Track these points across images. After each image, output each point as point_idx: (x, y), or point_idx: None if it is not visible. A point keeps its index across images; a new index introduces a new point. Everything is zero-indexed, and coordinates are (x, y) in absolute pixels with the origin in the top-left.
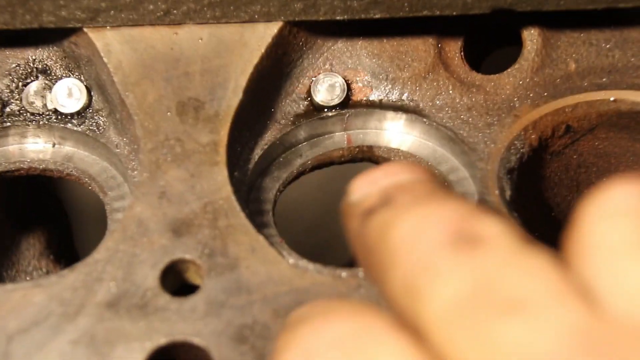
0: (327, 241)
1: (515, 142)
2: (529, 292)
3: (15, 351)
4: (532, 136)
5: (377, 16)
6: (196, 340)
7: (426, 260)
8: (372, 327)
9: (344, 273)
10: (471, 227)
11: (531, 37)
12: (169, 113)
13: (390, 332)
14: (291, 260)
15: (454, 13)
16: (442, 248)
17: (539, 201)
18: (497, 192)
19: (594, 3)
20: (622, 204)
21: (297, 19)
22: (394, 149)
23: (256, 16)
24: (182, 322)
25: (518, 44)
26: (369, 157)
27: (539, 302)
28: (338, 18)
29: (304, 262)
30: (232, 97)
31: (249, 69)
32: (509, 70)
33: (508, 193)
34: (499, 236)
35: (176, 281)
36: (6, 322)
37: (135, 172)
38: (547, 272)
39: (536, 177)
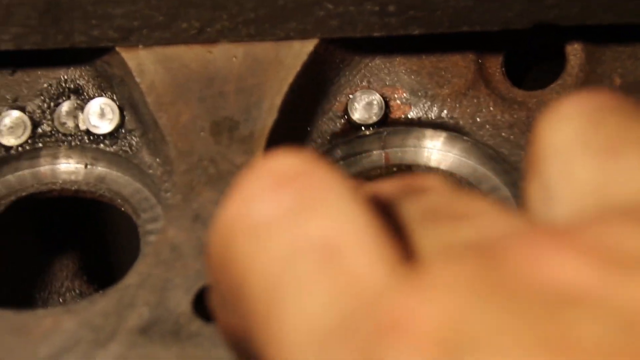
0: None
1: None
2: (474, 209)
3: None
4: None
5: (416, 32)
6: None
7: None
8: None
9: None
10: (415, 182)
11: (575, 52)
12: (202, 133)
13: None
14: None
15: (495, 29)
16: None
17: None
18: None
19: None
20: (570, 110)
21: (333, 36)
22: (434, 167)
23: (292, 34)
24: (215, 348)
25: (561, 59)
26: None
27: (484, 213)
28: (375, 35)
29: None
30: (267, 116)
31: (285, 87)
32: (552, 86)
33: None
34: (441, 184)
35: (210, 306)
36: (37, 348)
37: (169, 194)
38: (484, 199)
39: None
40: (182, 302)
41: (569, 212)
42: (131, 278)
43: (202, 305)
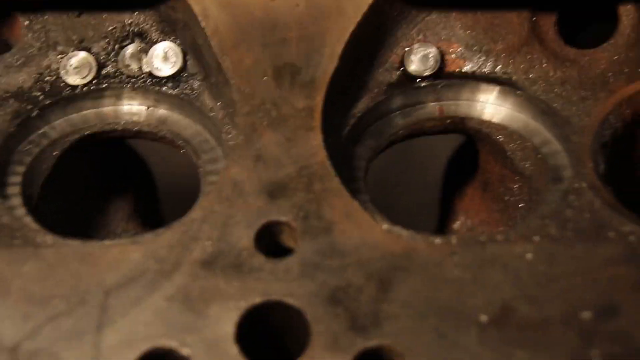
0: (414, 209)
1: (609, 117)
2: None
3: (112, 305)
4: (627, 111)
5: None
6: (290, 301)
7: None
8: None
9: (437, 239)
10: None
11: (627, 12)
12: (265, 78)
13: None
14: (385, 226)
15: None
16: None
17: (632, 176)
18: (591, 165)
19: None
20: None
21: None
22: (486, 120)
23: None
24: (276, 282)
25: (614, 19)
26: (460, 128)
27: None
28: None
29: (397, 228)
30: (328, 63)
31: (345, 36)
32: (604, 45)
33: (602, 167)
34: None
35: (270, 243)
36: (104, 276)
37: (229, 136)
38: None
39: (629, 152)
40: (243, 237)
41: None
42: (195, 213)
43: (263, 241)
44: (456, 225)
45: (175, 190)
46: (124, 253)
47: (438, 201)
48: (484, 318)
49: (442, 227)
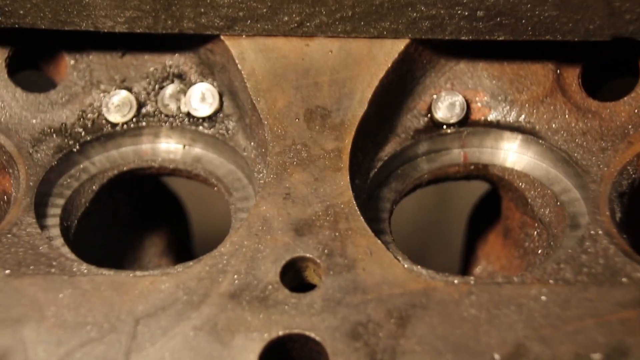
0: (437, 250)
1: (628, 167)
2: None
3: (142, 333)
4: None
5: (501, 38)
6: (312, 334)
7: None
8: None
9: (456, 279)
10: None
11: None
12: (297, 119)
13: None
14: (406, 265)
15: (576, 39)
16: None
17: None
18: (607, 213)
19: None
20: None
21: (423, 37)
22: (509, 168)
23: (384, 32)
24: (299, 316)
25: (635, 74)
26: (483, 174)
27: None
28: (463, 38)
29: (418, 267)
30: (358, 107)
31: (375, 82)
32: (625, 98)
33: (618, 215)
34: None
35: (295, 278)
36: (135, 305)
37: (261, 175)
38: None
39: None
40: (270, 271)
41: None
42: (224, 247)
43: (288, 276)
44: (477, 269)
45: (208, 227)
46: (154, 284)
47: (461, 246)
48: (497, 356)
49: (464, 271)
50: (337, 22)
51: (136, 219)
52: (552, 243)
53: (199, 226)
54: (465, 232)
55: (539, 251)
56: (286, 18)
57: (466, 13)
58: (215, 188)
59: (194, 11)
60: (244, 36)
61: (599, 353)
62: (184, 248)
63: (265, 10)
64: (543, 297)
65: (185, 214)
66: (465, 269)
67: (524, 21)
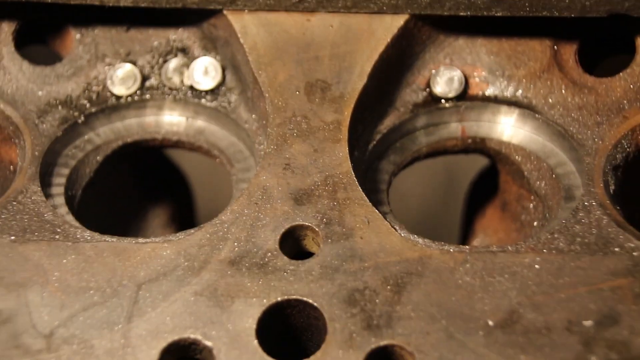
0: (435, 223)
1: (623, 141)
2: None
3: (143, 298)
4: (639, 137)
5: (499, 14)
6: (310, 300)
7: None
8: None
9: (451, 248)
10: None
11: None
12: (297, 92)
13: None
14: (403, 233)
15: (572, 15)
16: None
17: None
18: (601, 185)
19: None
20: None
21: (422, 12)
22: (505, 142)
23: (384, 8)
24: (298, 282)
25: (632, 50)
26: (481, 148)
27: None
28: (461, 14)
29: (414, 236)
30: (357, 81)
31: (375, 56)
32: (620, 74)
33: (612, 187)
34: None
35: (294, 246)
36: (137, 271)
37: (262, 146)
38: None
39: None
40: (269, 239)
41: None
42: (225, 215)
43: (287, 244)
44: (475, 242)
45: (212, 199)
46: (156, 250)
47: (460, 220)
48: (491, 322)
49: (462, 244)
50: None
51: (140, 191)
52: (547, 215)
53: (203, 198)
54: (464, 206)
55: (535, 223)
56: None
57: None
58: (217, 160)
59: None
60: (246, 11)
61: (590, 320)
62: (187, 220)
63: None
64: (536, 266)
65: (188, 186)
66: (463, 242)
67: None
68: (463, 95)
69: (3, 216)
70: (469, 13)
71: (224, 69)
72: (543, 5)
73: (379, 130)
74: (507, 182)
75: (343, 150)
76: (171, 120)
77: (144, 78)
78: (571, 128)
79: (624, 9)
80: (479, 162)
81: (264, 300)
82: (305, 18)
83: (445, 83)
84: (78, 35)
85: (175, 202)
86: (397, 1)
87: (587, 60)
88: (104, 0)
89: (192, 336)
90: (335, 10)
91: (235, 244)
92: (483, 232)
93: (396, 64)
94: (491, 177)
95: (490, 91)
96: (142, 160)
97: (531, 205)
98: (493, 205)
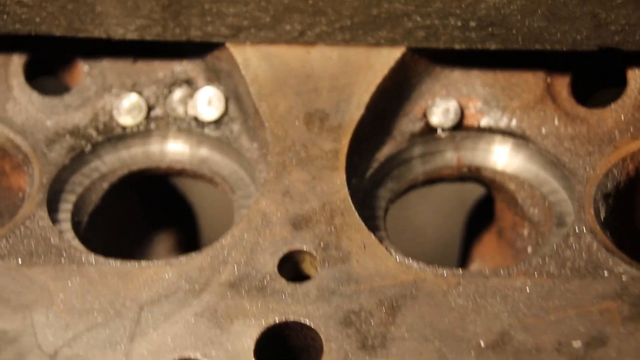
0: (431, 247)
1: (613, 169)
2: None
3: (146, 319)
4: (630, 166)
5: (493, 47)
6: (307, 321)
7: None
8: None
9: (445, 271)
10: None
11: (635, 76)
12: (297, 122)
13: None
14: (398, 258)
15: (564, 49)
16: None
17: (633, 227)
18: (592, 212)
19: None
20: None
21: (419, 46)
22: (500, 170)
23: (382, 41)
24: (295, 305)
25: (624, 84)
26: (476, 177)
27: None
28: (457, 47)
29: (409, 260)
30: (355, 111)
31: (372, 87)
32: (612, 105)
33: (602, 215)
34: None
35: (293, 270)
36: (139, 293)
37: (263, 174)
38: None
39: (631, 205)
40: (268, 263)
41: None
42: (226, 240)
43: (285, 267)
44: (472, 268)
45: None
46: (158, 273)
47: (458, 247)
48: (482, 343)
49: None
50: (336, 31)
51: (146, 217)
52: (539, 241)
53: (207, 224)
54: (462, 234)
55: (529, 249)
56: (288, 27)
57: (459, 23)
58: (219, 187)
59: (201, 20)
60: (248, 44)
61: (579, 341)
62: (191, 245)
63: (268, 19)
64: (527, 289)
65: (193, 213)
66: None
67: (514, 31)
68: (459, 125)
69: (11, 240)
70: (463, 46)
71: (227, 100)
72: (535, 39)
73: (377, 159)
74: (502, 209)
75: (341, 177)
76: (175, 149)
77: (150, 108)
78: (564, 157)
79: (613, 43)
80: (478, 191)
81: (262, 322)
82: (306, 51)
83: (441, 113)
84: (86, 67)
85: (180, 228)
86: (394, 35)
87: (581, 91)
88: (110, 33)
89: (192, 356)
90: (335, 44)
91: (235, 267)
92: (480, 258)
93: (393, 95)
94: (488, 205)
95: (485, 121)
96: (148, 188)
97: (525, 231)
98: (490, 232)
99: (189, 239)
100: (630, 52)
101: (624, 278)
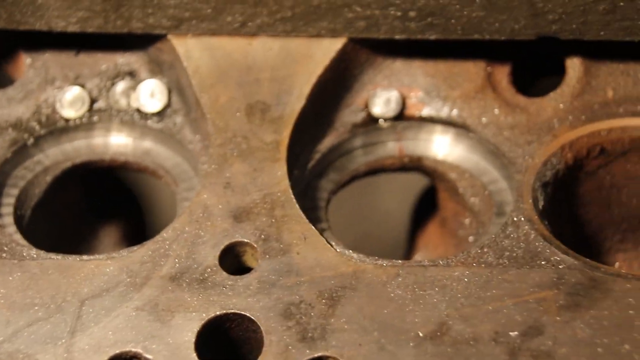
0: (371, 240)
1: (552, 158)
2: None
3: (86, 313)
4: (568, 155)
5: (433, 37)
6: (248, 314)
7: None
8: None
9: (384, 262)
10: None
11: (573, 65)
12: (238, 113)
13: None
14: (338, 249)
15: (502, 38)
16: None
17: (571, 215)
18: (530, 201)
19: (632, 35)
20: None
21: (359, 36)
22: (441, 160)
23: (323, 32)
24: (236, 297)
25: (563, 73)
26: (418, 166)
27: None
28: (397, 37)
29: (349, 252)
30: (296, 102)
31: (313, 78)
32: (551, 94)
33: (541, 204)
34: None
35: (234, 262)
36: (80, 287)
37: (205, 165)
38: None
39: (570, 194)
40: (209, 255)
41: None
42: (167, 233)
43: (227, 260)
44: (417, 257)
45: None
46: (99, 267)
47: (405, 237)
48: (421, 334)
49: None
50: (277, 22)
51: (90, 211)
52: (480, 230)
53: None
54: (408, 224)
55: (470, 238)
56: (229, 18)
57: (399, 13)
58: (163, 179)
59: (142, 12)
60: (190, 36)
61: (516, 331)
62: (138, 238)
63: (209, 11)
64: (465, 279)
65: (139, 206)
66: (407, 258)
67: (453, 21)
68: (400, 116)
69: None
70: (404, 36)
71: (169, 92)
72: (474, 29)
73: (318, 150)
74: (444, 199)
75: (282, 169)
76: (118, 141)
77: (92, 101)
78: (503, 146)
79: (551, 31)
80: (423, 181)
81: (203, 315)
82: (247, 42)
83: (383, 104)
84: (29, 60)
85: (126, 221)
86: (334, 25)
87: (521, 80)
88: (51, 25)
89: (133, 350)
90: (276, 35)
91: (176, 260)
92: (425, 248)
93: (335, 85)
94: (431, 195)
95: (426, 111)
96: (92, 181)
97: (467, 220)
98: (434, 221)
99: (136, 232)
100: (568, 40)
101: (560, 267)
